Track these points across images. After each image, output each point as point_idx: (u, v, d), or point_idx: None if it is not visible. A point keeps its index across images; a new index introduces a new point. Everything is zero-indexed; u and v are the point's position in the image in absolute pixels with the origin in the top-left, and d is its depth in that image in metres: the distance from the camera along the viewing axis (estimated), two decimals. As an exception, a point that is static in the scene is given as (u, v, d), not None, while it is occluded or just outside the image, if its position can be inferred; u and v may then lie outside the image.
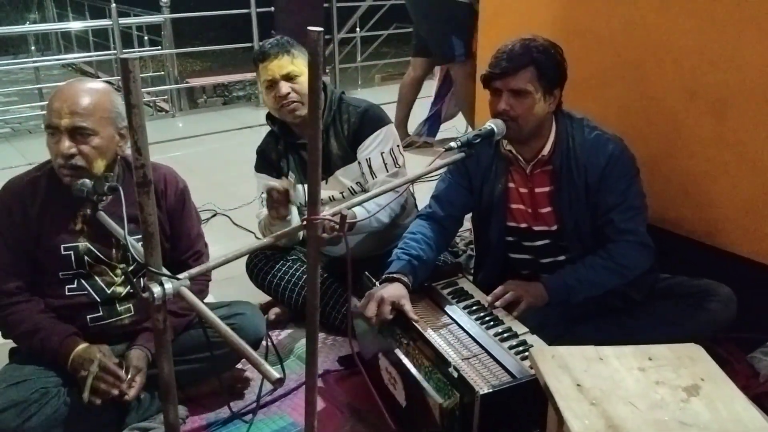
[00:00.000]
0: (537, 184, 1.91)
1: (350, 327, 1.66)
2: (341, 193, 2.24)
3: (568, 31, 2.31)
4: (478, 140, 1.66)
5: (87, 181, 1.66)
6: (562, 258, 1.93)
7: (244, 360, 2.03)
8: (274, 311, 2.35)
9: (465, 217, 2.11)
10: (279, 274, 2.27)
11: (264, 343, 1.93)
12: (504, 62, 1.76)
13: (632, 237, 1.84)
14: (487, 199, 1.97)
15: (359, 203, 1.50)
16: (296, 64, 2.13)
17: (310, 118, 1.23)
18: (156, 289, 1.16)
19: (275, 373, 1.00)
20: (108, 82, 8.85)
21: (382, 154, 2.19)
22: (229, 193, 3.64)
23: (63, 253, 1.79)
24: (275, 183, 1.99)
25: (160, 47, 7.03)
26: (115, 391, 1.68)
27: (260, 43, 2.16)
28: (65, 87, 1.75)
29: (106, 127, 1.73)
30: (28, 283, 1.80)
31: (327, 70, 6.47)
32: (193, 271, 1.23)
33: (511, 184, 1.94)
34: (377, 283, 1.84)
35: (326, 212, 1.34)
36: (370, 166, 2.20)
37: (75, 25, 9.21)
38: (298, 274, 2.27)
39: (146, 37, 7.27)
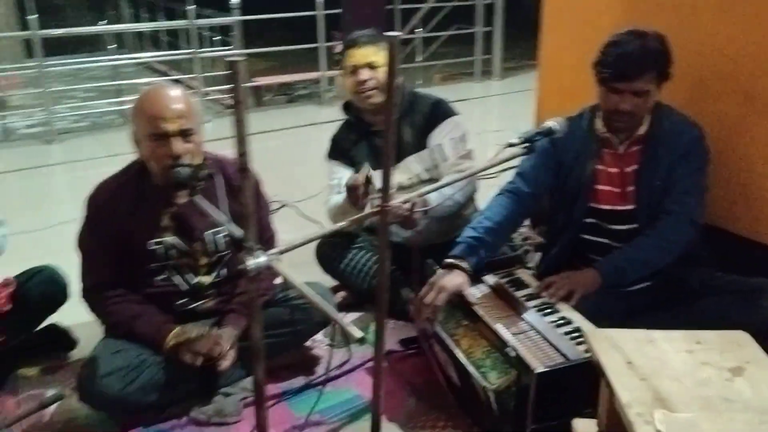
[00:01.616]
0: (627, 163, 2.01)
1: (419, 312, 1.79)
2: (409, 179, 2.39)
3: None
4: (538, 138, 1.77)
5: (184, 169, 1.83)
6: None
7: (313, 338, 2.20)
8: (341, 295, 2.51)
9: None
10: (346, 261, 2.43)
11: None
12: (627, 65, 1.84)
13: (682, 214, 1.92)
14: (574, 180, 2.07)
15: (431, 191, 1.63)
16: (380, 55, 2.31)
17: (385, 111, 1.37)
18: (252, 262, 1.31)
19: (357, 333, 1.15)
20: (177, 80, 9.19)
21: (452, 140, 2.34)
22: (294, 186, 3.82)
23: (151, 247, 1.98)
24: (359, 176, 2.13)
25: (229, 47, 7.31)
26: (215, 353, 1.87)
27: (353, 34, 2.41)
28: (159, 95, 1.88)
29: (199, 126, 1.92)
30: (121, 276, 1.99)
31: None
32: (282, 248, 1.39)
33: (600, 166, 2.04)
34: (438, 270, 1.97)
35: (397, 200, 1.48)
36: (440, 152, 2.34)
37: (153, 25, 9.55)
38: (363, 260, 2.43)
39: (216, 37, 7.55)
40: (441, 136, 2.37)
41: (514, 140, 1.77)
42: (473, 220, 2.09)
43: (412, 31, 6.81)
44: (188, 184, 1.82)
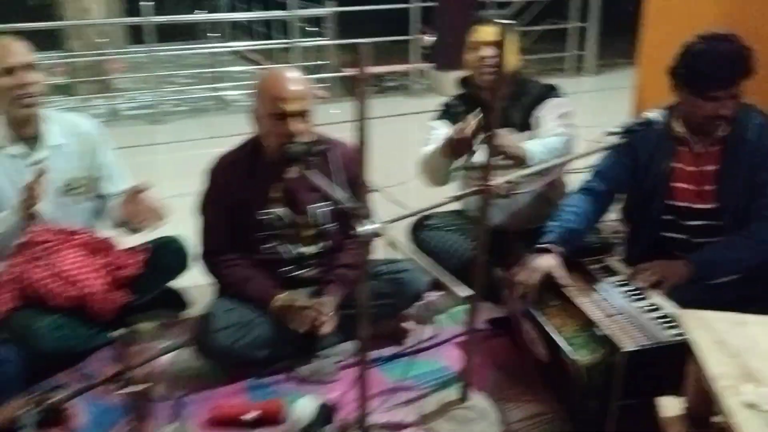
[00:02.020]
0: (705, 162, 2.04)
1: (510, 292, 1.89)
2: None
3: (734, 30, 2.38)
4: (638, 128, 1.83)
5: (299, 145, 1.98)
6: (715, 240, 2.04)
7: (404, 312, 2.32)
8: (429, 275, 2.63)
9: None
10: (439, 241, 2.53)
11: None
12: (725, 72, 1.87)
13: None
14: (651, 178, 2.12)
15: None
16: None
17: (493, 88, 1.48)
18: (363, 229, 1.45)
19: (461, 292, 1.26)
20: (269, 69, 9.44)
21: (554, 112, 2.43)
22: (382, 172, 3.95)
23: (262, 217, 2.16)
24: (470, 121, 2.21)
25: (320, 38, 7.53)
26: (318, 322, 2.02)
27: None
28: (281, 77, 2.05)
29: (313, 107, 2.08)
30: (235, 242, 2.18)
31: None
32: (389, 219, 1.52)
33: (677, 164, 2.08)
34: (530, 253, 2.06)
35: (496, 180, 1.58)
36: (541, 122, 2.43)
37: (255, 15, 9.77)
38: (456, 241, 2.52)
39: (309, 28, 7.79)
40: (545, 110, 2.45)
41: (614, 129, 1.84)
42: (556, 213, 2.16)
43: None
44: (302, 159, 1.96)
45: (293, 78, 2.05)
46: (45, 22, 6.87)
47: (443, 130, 2.49)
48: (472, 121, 2.21)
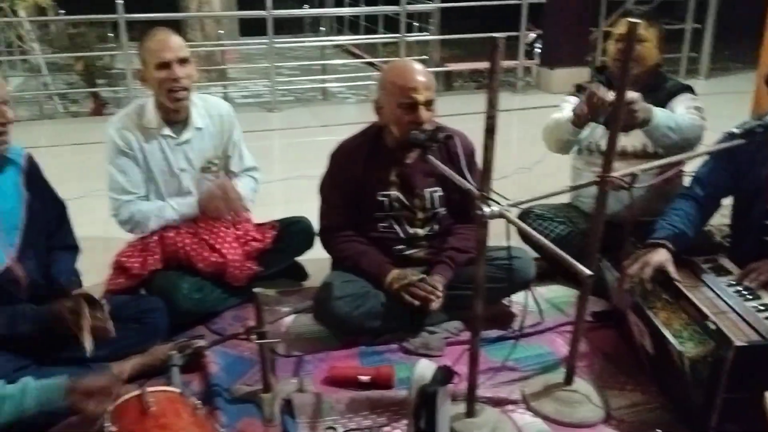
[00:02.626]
0: None
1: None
2: (633, 146, 2.52)
3: None
4: (760, 129, 1.84)
5: (418, 132, 2.12)
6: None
7: (509, 299, 2.42)
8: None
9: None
10: (546, 232, 2.61)
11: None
12: None
13: None
14: (751, 183, 2.12)
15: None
16: (649, 31, 2.49)
17: (621, 78, 1.56)
18: (487, 210, 1.56)
19: (585, 271, 1.35)
20: (370, 63, 9.71)
21: (686, 104, 2.48)
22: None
23: (379, 199, 2.31)
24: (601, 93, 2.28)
25: (426, 32, 7.67)
26: (429, 298, 2.16)
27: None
28: (408, 68, 2.18)
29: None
30: (352, 220, 2.35)
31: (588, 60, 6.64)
32: (515, 201, 1.62)
33: None
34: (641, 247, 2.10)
35: (619, 172, 1.65)
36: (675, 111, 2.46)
37: (368, 10, 9.96)
38: (561, 233, 2.60)
39: (415, 23, 7.96)
40: (676, 104, 2.49)
41: (735, 130, 1.87)
42: (665, 213, 2.19)
43: (613, 24, 6.73)
44: (424, 146, 2.09)
45: (420, 69, 2.18)
46: (171, 13, 7.36)
47: (574, 104, 2.57)
48: (605, 92, 2.29)
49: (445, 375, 1.54)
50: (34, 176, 2.08)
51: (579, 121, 2.43)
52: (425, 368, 1.55)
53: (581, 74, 6.14)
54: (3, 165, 1.97)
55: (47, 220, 2.12)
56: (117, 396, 1.52)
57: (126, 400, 1.49)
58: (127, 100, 6.19)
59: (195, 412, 1.53)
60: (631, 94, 2.24)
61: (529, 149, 4.32)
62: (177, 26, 9.23)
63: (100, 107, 7.09)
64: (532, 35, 7.20)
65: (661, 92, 2.53)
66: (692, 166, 2.42)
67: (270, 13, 6.09)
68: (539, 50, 7.09)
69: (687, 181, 2.57)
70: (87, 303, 1.96)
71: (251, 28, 10.02)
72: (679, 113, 2.44)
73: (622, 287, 2.07)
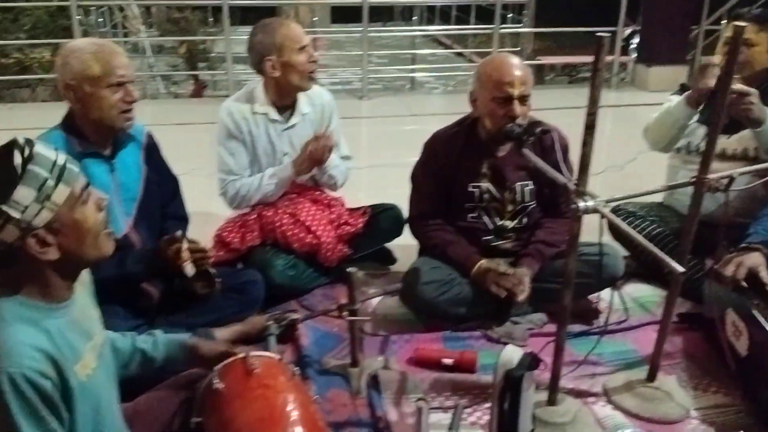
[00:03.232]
0: None
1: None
2: (734, 150, 2.47)
3: None
4: None
5: (517, 125, 2.16)
6: None
7: (595, 295, 2.44)
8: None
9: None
10: (638, 231, 2.59)
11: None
12: None
13: None
14: None
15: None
16: (759, 35, 2.43)
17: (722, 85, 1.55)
18: (582, 204, 1.60)
19: (678, 267, 1.38)
20: (460, 53, 9.72)
21: None
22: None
23: (470, 189, 2.36)
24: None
25: (519, 24, 7.61)
26: (516, 289, 2.21)
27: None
28: (506, 62, 2.21)
29: (530, 91, 2.24)
30: (442, 209, 2.41)
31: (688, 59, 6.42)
32: (607, 197, 1.65)
33: None
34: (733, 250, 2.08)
35: (716, 174, 1.65)
36: None
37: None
38: (652, 232, 2.56)
39: (509, 15, 7.91)
40: None
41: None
42: (759, 217, 2.16)
43: (718, 21, 6.48)
44: (520, 139, 2.13)
45: (517, 63, 2.22)
46: (266, 0, 7.61)
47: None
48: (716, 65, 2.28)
49: (531, 361, 1.59)
50: (152, 152, 2.25)
51: (694, 99, 2.39)
52: (512, 353, 1.61)
53: (680, 73, 5.96)
54: (126, 141, 2.15)
55: (162, 194, 2.29)
56: (232, 356, 1.63)
57: (232, 362, 1.61)
58: (226, 83, 6.47)
59: (292, 377, 1.65)
60: (748, 88, 2.21)
61: (622, 147, 4.26)
62: (272, 12, 9.52)
63: (200, 89, 7.44)
64: (628, 30, 7.02)
65: None
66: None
67: (365, 0, 6.18)
68: (635, 46, 6.91)
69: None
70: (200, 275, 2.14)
71: (342, 15, 10.19)
72: None
73: (717, 288, 2.06)
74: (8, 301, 1.21)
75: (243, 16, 8.12)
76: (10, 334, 1.18)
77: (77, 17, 5.91)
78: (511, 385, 1.58)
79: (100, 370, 1.36)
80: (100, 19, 8.19)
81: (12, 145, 1.21)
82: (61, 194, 1.21)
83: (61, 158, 1.24)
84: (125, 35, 8.59)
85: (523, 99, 2.19)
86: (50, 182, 1.19)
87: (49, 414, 1.19)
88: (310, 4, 7.89)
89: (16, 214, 1.16)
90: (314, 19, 8.18)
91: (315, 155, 2.51)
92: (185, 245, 2.07)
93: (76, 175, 1.26)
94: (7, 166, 1.18)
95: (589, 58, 6.56)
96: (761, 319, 1.86)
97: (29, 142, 1.22)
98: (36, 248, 1.20)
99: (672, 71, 6.04)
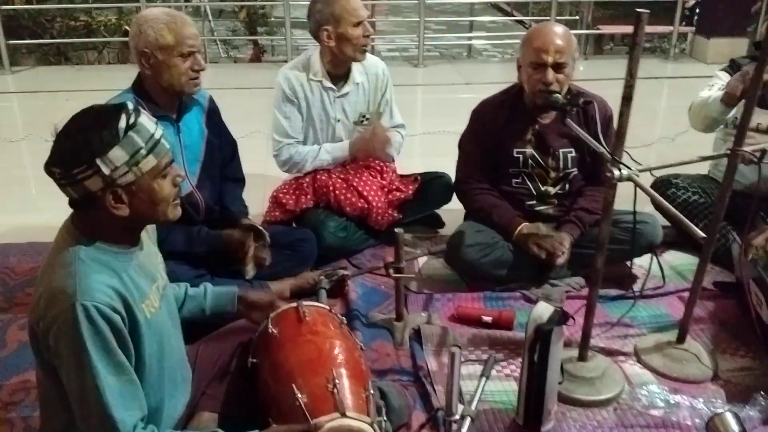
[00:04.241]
0: None
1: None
2: None
3: None
4: None
5: (559, 96, 2.24)
6: None
7: (632, 262, 2.52)
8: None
9: None
10: (679, 201, 2.65)
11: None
12: None
13: None
14: None
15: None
16: None
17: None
18: (616, 173, 1.69)
19: (701, 234, 1.46)
20: (520, 21, 9.60)
21: None
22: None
23: (515, 155, 2.47)
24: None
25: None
26: (556, 252, 2.32)
27: None
28: (544, 31, 2.31)
29: (573, 61, 2.31)
30: (488, 174, 2.52)
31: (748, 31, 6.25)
32: (644, 167, 1.74)
33: None
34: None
35: (749, 147, 1.71)
36: None
37: None
38: (693, 203, 2.63)
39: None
40: None
41: None
42: None
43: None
44: (564, 109, 2.21)
45: (556, 32, 2.30)
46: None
47: (725, 82, 2.57)
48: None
49: (560, 317, 1.71)
50: (213, 116, 2.42)
51: (730, 100, 2.43)
52: (543, 309, 1.72)
53: (740, 45, 5.81)
54: (191, 105, 2.32)
55: (222, 155, 2.47)
56: (277, 308, 1.80)
57: (285, 310, 1.78)
58: (284, 49, 6.61)
59: (341, 326, 1.80)
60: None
61: (676, 119, 4.22)
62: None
63: (258, 54, 7.61)
64: (692, 1, 6.83)
65: None
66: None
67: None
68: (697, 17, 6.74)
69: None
70: (254, 234, 2.32)
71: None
72: None
73: (745, 257, 2.12)
74: (85, 245, 1.37)
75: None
76: (87, 272, 1.32)
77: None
78: (540, 338, 1.70)
79: (163, 309, 1.51)
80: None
81: (121, 108, 1.35)
82: (148, 164, 1.35)
83: (158, 133, 1.38)
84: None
85: (558, 67, 2.27)
86: (143, 151, 1.33)
87: (118, 350, 1.33)
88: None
89: (105, 170, 1.30)
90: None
91: (370, 149, 2.66)
92: (252, 249, 2.26)
93: (166, 151, 1.40)
94: (113, 126, 1.32)
95: (650, 29, 6.47)
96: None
97: (137, 111, 1.37)
98: (111, 203, 1.34)
99: (731, 43, 5.92)
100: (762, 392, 1.88)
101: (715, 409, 1.83)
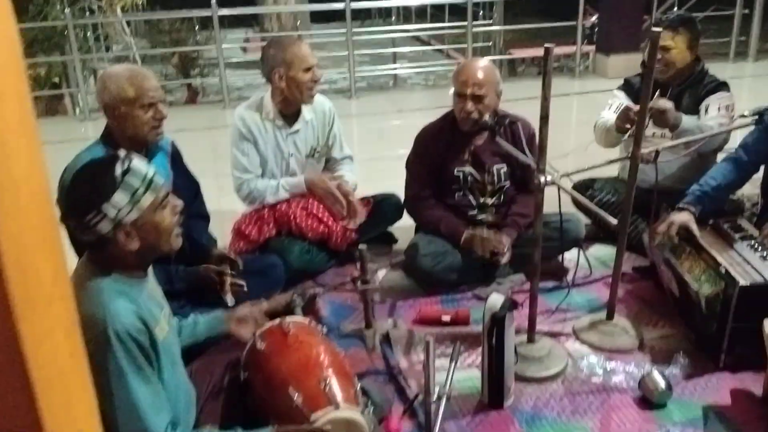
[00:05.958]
0: None
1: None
2: (663, 133, 2.88)
3: None
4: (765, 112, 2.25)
5: (488, 119, 2.60)
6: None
7: (562, 256, 2.89)
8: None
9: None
10: (597, 200, 3.04)
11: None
12: None
13: None
14: None
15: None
16: (674, 40, 2.85)
17: (646, 77, 2.01)
18: (542, 179, 2.04)
19: (612, 220, 1.82)
20: (438, 49, 10.04)
21: (719, 104, 2.83)
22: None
23: (455, 173, 2.81)
24: (634, 108, 2.67)
25: (490, 20, 8.02)
26: (498, 250, 2.67)
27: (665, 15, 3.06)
28: (466, 66, 2.69)
29: (493, 91, 2.68)
30: (433, 191, 2.86)
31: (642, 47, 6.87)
32: (567, 171, 2.10)
33: None
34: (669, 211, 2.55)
35: (646, 149, 2.10)
36: (706, 109, 2.84)
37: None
38: (608, 201, 3.04)
39: (480, 12, 8.34)
40: (711, 100, 2.85)
41: (746, 113, 2.28)
42: (701, 179, 2.57)
43: (666, 11, 6.97)
44: (492, 129, 2.57)
45: (477, 66, 2.67)
46: (248, 7, 7.91)
47: (621, 100, 3.00)
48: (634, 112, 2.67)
49: (510, 304, 2.04)
50: (177, 159, 2.61)
51: (621, 131, 2.84)
52: (496, 299, 2.04)
53: (636, 60, 6.38)
54: (156, 151, 2.48)
55: (187, 195, 2.63)
56: (261, 325, 1.99)
57: (270, 327, 1.96)
58: (218, 89, 6.80)
59: (322, 335, 2.02)
60: (664, 103, 2.65)
61: (587, 130, 4.68)
62: (255, 18, 9.85)
63: (194, 96, 7.76)
64: (593, 19, 7.45)
65: (701, 88, 2.89)
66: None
67: (348, 4, 6.46)
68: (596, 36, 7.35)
69: (719, 157, 2.97)
70: (228, 262, 2.53)
71: (322, 16, 10.47)
72: (709, 116, 2.80)
73: (652, 243, 2.52)
74: (105, 279, 1.55)
75: (229, 19, 8.39)
76: (112, 300, 1.51)
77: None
78: (496, 324, 2.02)
79: (170, 333, 1.70)
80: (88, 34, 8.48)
81: (115, 158, 1.56)
82: (147, 200, 1.53)
83: (151, 171, 1.58)
84: (107, 48, 8.80)
85: (478, 98, 2.64)
86: (141, 190, 1.53)
87: (146, 364, 1.53)
88: (295, 10, 8.25)
89: (111, 213, 1.50)
90: (298, 23, 8.52)
91: (328, 198, 2.92)
92: (229, 278, 2.45)
93: (161, 186, 1.59)
94: (110, 174, 1.52)
95: (556, 50, 7.00)
96: (678, 267, 2.33)
97: (128, 157, 1.57)
98: (123, 239, 1.53)
99: (627, 59, 6.43)
100: (681, 353, 2.26)
101: (644, 371, 2.19)
